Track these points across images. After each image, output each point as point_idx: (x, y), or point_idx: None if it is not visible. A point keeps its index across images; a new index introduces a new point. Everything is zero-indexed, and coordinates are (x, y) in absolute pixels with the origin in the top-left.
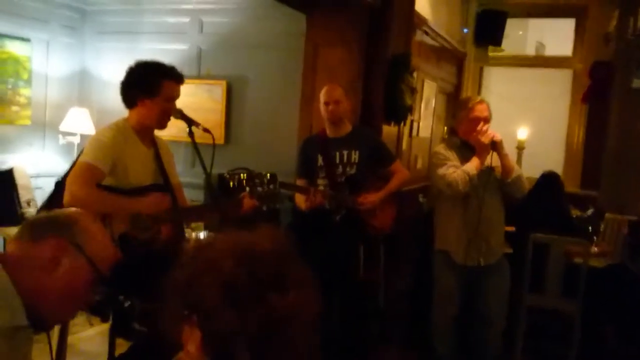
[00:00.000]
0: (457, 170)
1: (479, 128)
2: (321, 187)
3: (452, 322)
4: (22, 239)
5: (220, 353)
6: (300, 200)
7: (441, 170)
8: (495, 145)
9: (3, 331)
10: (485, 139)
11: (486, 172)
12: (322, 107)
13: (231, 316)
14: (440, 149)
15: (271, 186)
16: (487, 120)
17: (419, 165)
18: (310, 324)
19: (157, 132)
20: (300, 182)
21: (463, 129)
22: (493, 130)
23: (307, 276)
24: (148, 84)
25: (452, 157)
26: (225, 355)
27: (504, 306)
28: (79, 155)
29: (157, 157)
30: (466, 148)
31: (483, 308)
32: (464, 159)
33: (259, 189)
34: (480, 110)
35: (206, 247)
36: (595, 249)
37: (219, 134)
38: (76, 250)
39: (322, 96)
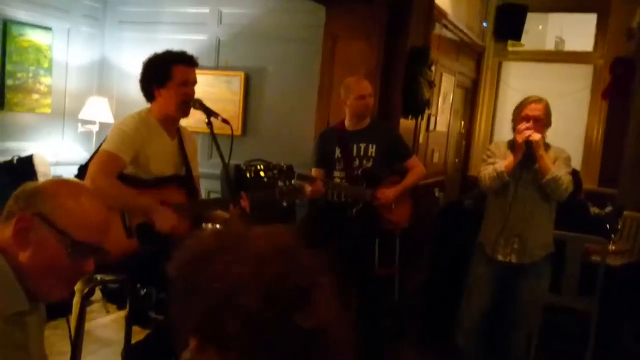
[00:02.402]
0: (489, 167)
1: (519, 127)
2: (337, 180)
3: (479, 316)
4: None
5: None
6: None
7: (481, 166)
8: (531, 145)
9: (9, 319)
10: (519, 138)
11: (518, 170)
12: (354, 101)
13: (256, 346)
14: (492, 146)
15: (293, 182)
16: (537, 119)
17: (436, 159)
18: (344, 329)
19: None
20: (315, 172)
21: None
22: (532, 131)
23: (325, 277)
24: (159, 73)
25: (498, 154)
26: None
27: (535, 312)
28: (102, 143)
29: (181, 148)
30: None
31: (512, 310)
32: None
33: (281, 184)
34: (531, 109)
35: (216, 272)
36: (613, 247)
37: (237, 125)
38: (41, 221)
39: (354, 90)
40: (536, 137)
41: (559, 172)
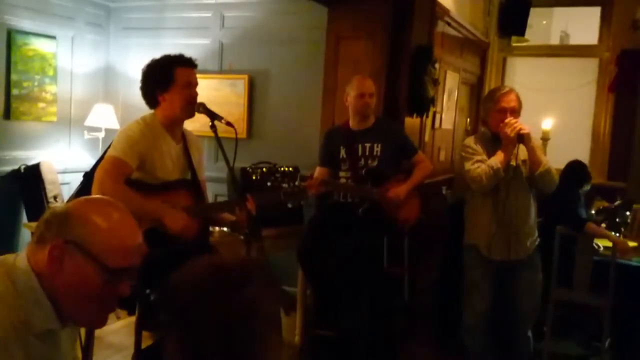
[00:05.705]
0: (482, 165)
1: (507, 120)
2: (343, 180)
3: (482, 317)
4: (32, 241)
5: (194, 347)
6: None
7: (467, 165)
8: (522, 138)
9: (40, 334)
10: (510, 132)
11: (512, 165)
12: (353, 98)
13: (200, 312)
14: (470, 142)
15: (297, 183)
16: (514, 111)
17: (442, 157)
18: (272, 318)
19: (187, 126)
20: (320, 171)
21: (492, 122)
22: (520, 123)
23: (269, 279)
24: (161, 77)
25: (480, 150)
26: (198, 349)
27: (535, 304)
28: (107, 148)
29: (186, 152)
30: (497, 141)
31: (514, 305)
32: (494, 153)
33: (285, 185)
34: (507, 102)
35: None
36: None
37: (242, 128)
38: (75, 248)
39: (355, 88)
40: (526, 129)
41: (548, 163)
